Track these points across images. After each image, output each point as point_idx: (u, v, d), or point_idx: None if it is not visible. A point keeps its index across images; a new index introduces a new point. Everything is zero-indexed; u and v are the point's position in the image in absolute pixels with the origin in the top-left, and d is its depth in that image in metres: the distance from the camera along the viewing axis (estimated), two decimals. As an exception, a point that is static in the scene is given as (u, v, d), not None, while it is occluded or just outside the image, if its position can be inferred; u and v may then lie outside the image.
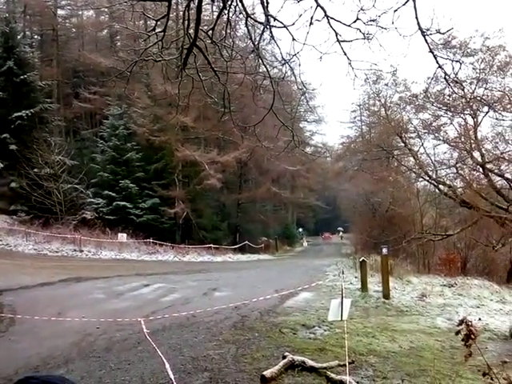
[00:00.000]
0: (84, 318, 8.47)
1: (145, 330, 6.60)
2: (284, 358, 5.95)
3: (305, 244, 48.66)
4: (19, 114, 28.45)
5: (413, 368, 6.00)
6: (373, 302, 10.94)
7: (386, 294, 11.35)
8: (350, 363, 5.70)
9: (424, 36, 6.59)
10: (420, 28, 6.54)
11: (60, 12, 41.74)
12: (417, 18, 6.40)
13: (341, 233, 55.04)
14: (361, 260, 12.66)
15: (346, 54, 7.84)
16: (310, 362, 5.90)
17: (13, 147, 27.81)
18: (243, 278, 16.74)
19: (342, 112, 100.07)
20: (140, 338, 7.11)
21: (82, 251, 22.78)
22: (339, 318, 6.27)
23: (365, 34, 7.37)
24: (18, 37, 33.26)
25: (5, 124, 28.38)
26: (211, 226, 31.45)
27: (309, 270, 18.16)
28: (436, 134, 22.95)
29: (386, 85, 25.31)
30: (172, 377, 5.27)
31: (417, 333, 8.11)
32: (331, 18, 7.31)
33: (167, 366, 5.54)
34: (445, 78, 7.94)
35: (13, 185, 28.14)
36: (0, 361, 6.64)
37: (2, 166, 27.71)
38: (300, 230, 52.35)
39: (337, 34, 7.44)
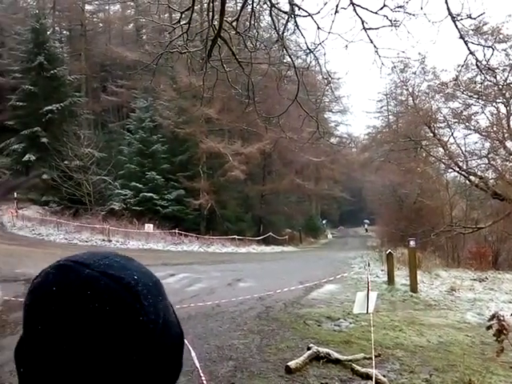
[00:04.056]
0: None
1: (171, 319, 6.65)
2: (309, 349, 5.93)
3: (329, 236, 48.23)
4: (50, 107, 29.09)
5: (441, 363, 5.89)
6: (400, 295, 10.79)
7: (414, 288, 11.18)
8: (376, 356, 5.63)
9: (454, 21, 6.40)
10: (450, 13, 6.35)
11: (88, 7, 42.37)
12: (447, 2, 6.22)
13: (366, 225, 54.34)
14: (387, 253, 12.49)
15: (372, 42, 7.70)
16: (336, 354, 5.87)
17: (44, 140, 28.53)
18: (267, 269, 16.74)
19: (367, 102, 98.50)
20: (166, 326, 7.18)
21: (110, 241, 23.15)
22: (365, 311, 6.20)
23: (392, 20, 7.21)
24: (48, 32, 33.93)
25: (36, 118, 29.13)
26: (235, 218, 31.51)
27: (333, 262, 18.03)
28: (467, 124, 22.40)
29: (414, 73, 24.74)
30: (198, 365, 5.30)
31: (445, 327, 7.96)
32: (357, 5, 7.18)
33: (193, 354, 5.57)
34: (476, 65, 7.73)
35: (44, 176, 28.80)
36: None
37: (34, 158, 28.45)
38: (324, 221, 51.89)
39: (363, 22, 7.31)
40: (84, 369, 0.59)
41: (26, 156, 28.49)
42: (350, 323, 7.80)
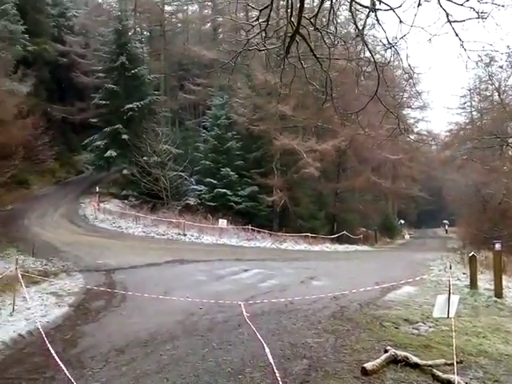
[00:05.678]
0: (188, 298, 8.86)
1: (244, 314, 6.74)
2: (386, 351, 5.77)
3: (406, 236, 46.71)
4: (131, 105, 30.53)
5: (529, 373, 5.53)
6: (483, 300, 10.21)
7: (499, 293, 10.53)
8: (458, 363, 5.39)
9: (551, 10, 5.92)
10: (545, 2, 5.88)
11: (167, 8, 43.81)
12: (542, -10, 5.77)
13: (446, 226, 52.04)
14: (470, 255, 11.85)
15: (457, 35, 7.30)
16: (414, 359, 5.67)
17: (125, 137, 30.01)
18: (341, 268, 16.49)
19: (449, 97, 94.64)
20: (240, 320, 7.27)
21: (185, 235, 23.89)
22: (445, 315, 5.95)
23: (479, 12, 6.78)
24: (130, 33, 35.67)
25: (118, 115, 30.68)
26: (308, 215, 31.32)
27: (411, 264, 17.38)
28: (559, 120, 20.83)
29: (501, 67, 23.40)
30: (272, 361, 5.32)
31: (534, 336, 7.43)
32: (441, -3, 6.83)
33: (267, 350, 5.61)
34: None
35: (124, 172, 30.40)
36: (113, 334, 7.19)
37: (115, 154, 29.96)
38: (401, 221, 50.28)
39: (447, 15, 6.94)
40: None
41: (108, 152, 30.09)
42: (430, 327, 7.48)
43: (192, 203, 28.86)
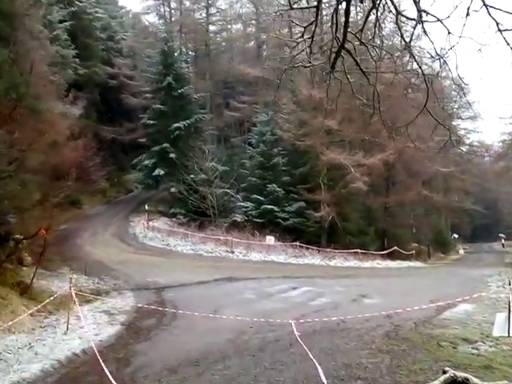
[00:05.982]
0: (238, 316, 8.84)
1: (296, 333, 6.65)
2: (444, 372, 5.51)
3: (461, 251, 45.00)
4: (177, 124, 31.33)
5: None
6: (547, 318, 9.63)
7: None
8: (523, 386, 5.09)
9: None
10: None
11: (211, 28, 44.82)
12: None
13: (503, 240, 49.75)
14: (531, 271, 11.25)
15: (508, 44, 7.06)
16: (475, 380, 5.39)
17: (172, 155, 30.71)
18: (394, 285, 16.05)
19: (501, 107, 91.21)
20: (291, 340, 7.17)
21: (233, 252, 23.97)
22: (506, 334, 5.67)
23: (530, 20, 6.55)
24: (175, 54, 36.68)
25: (165, 134, 31.48)
26: (357, 231, 30.70)
27: (467, 280, 16.68)
28: None
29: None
30: (325, 382, 5.20)
31: None
32: (490, 6, 6.66)
33: (320, 370, 5.50)
34: None
35: (172, 190, 31.05)
36: (164, 353, 7.25)
37: (163, 172, 30.66)
38: (455, 236, 48.46)
39: (497, 23, 6.76)
40: None
41: (156, 171, 30.89)
42: (490, 347, 7.11)
43: (239, 220, 28.95)
